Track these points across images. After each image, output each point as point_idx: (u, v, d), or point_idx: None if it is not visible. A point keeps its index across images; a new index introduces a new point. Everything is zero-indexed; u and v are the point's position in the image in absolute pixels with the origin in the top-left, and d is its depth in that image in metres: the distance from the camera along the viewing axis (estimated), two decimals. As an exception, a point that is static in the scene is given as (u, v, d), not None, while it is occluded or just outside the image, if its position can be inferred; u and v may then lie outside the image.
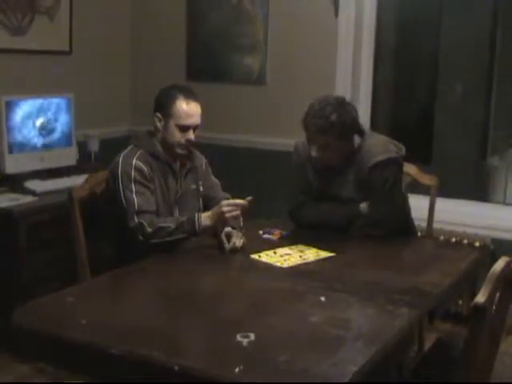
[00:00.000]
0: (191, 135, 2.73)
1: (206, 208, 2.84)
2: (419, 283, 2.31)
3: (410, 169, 3.18)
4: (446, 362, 2.41)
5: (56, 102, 3.88)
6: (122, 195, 2.62)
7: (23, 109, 3.68)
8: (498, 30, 5.39)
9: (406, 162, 3.09)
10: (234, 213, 2.58)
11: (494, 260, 1.84)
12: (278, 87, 4.25)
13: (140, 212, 2.58)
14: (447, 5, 5.36)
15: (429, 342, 2.83)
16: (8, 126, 3.60)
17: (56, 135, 3.89)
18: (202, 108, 2.75)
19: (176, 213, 2.76)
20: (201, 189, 2.88)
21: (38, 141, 3.79)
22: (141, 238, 2.55)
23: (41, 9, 4.02)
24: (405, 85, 5.37)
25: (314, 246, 2.65)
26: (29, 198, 3.48)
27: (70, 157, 3.98)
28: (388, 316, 2.02)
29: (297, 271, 2.41)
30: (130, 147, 2.75)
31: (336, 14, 4.02)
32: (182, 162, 2.81)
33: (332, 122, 2.69)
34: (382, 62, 4.44)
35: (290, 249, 2.63)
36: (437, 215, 3.22)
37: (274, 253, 2.58)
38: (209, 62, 4.49)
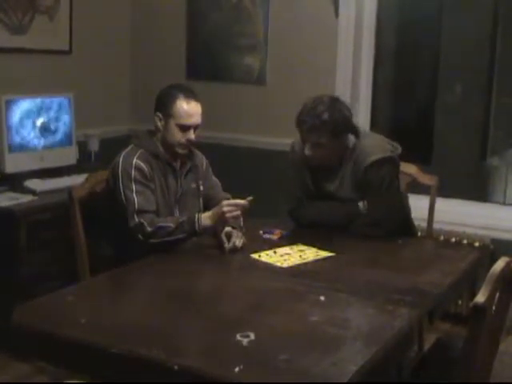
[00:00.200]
0: (192, 135, 2.73)
1: (206, 208, 2.84)
2: (419, 283, 2.31)
3: (409, 169, 3.18)
4: (445, 362, 2.41)
5: (56, 102, 3.88)
6: (123, 195, 2.62)
7: (23, 108, 3.68)
8: (498, 30, 5.40)
9: (405, 161, 3.10)
10: (235, 213, 2.57)
11: (494, 260, 1.85)
12: (278, 87, 4.25)
13: (140, 211, 2.58)
14: (447, 5, 5.37)
15: (428, 342, 2.83)
16: (8, 126, 3.60)
17: (56, 135, 3.89)
18: (202, 108, 2.76)
19: (176, 212, 2.76)
20: (201, 188, 2.88)
21: (38, 140, 3.79)
22: (141, 237, 2.55)
23: (41, 8, 4.02)
24: (405, 85, 5.37)
25: (314, 246, 2.65)
26: (29, 198, 3.48)
27: (70, 156, 3.98)
28: (388, 316, 2.02)
29: (297, 271, 2.41)
30: (130, 147, 2.75)
31: (336, 14, 4.02)
32: (183, 162, 2.81)
33: (324, 121, 2.71)
34: (382, 62, 4.44)
35: (290, 249, 2.64)
36: (437, 215, 3.22)
37: (274, 253, 2.58)
38: (209, 61, 4.49)
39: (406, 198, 3.07)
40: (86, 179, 2.85)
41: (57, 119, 3.88)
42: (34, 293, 2.28)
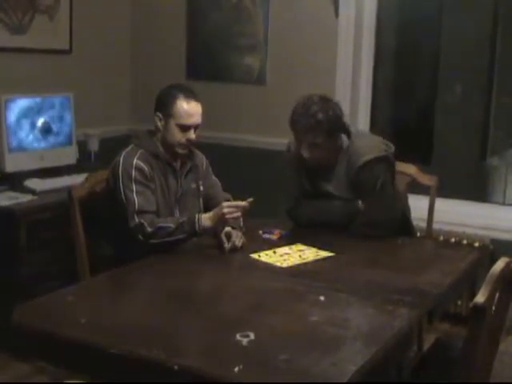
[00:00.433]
0: (192, 135, 2.73)
1: (206, 207, 2.84)
2: (419, 283, 2.31)
3: (409, 169, 3.18)
4: (445, 362, 2.41)
5: (56, 101, 3.88)
6: (123, 195, 2.62)
7: (23, 108, 3.68)
8: (498, 30, 5.40)
9: (405, 162, 3.10)
10: (235, 214, 2.58)
11: (494, 260, 1.85)
12: (278, 87, 4.25)
13: (140, 212, 2.58)
14: (447, 5, 5.37)
15: (428, 342, 2.82)
16: (8, 125, 3.60)
17: (56, 134, 3.88)
18: (202, 108, 2.75)
19: (176, 212, 2.76)
20: (201, 188, 2.88)
21: (38, 140, 3.79)
22: (141, 237, 2.55)
23: (41, 8, 4.02)
24: (405, 85, 5.37)
25: (314, 246, 2.65)
26: (28, 197, 3.48)
27: (69, 156, 3.98)
28: (388, 316, 2.02)
29: (296, 271, 2.41)
30: (130, 146, 2.75)
31: (336, 14, 4.02)
32: (183, 162, 2.81)
33: (319, 120, 2.71)
34: (381, 62, 4.44)
35: (290, 248, 2.64)
36: (436, 215, 3.22)
37: (274, 252, 2.58)
38: (209, 61, 4.49)
39: (406, 199, 3.07)
40: (86, 179, 2.85)
41: (57, 119, 3.88)
42: (33, 293, 2.27)
